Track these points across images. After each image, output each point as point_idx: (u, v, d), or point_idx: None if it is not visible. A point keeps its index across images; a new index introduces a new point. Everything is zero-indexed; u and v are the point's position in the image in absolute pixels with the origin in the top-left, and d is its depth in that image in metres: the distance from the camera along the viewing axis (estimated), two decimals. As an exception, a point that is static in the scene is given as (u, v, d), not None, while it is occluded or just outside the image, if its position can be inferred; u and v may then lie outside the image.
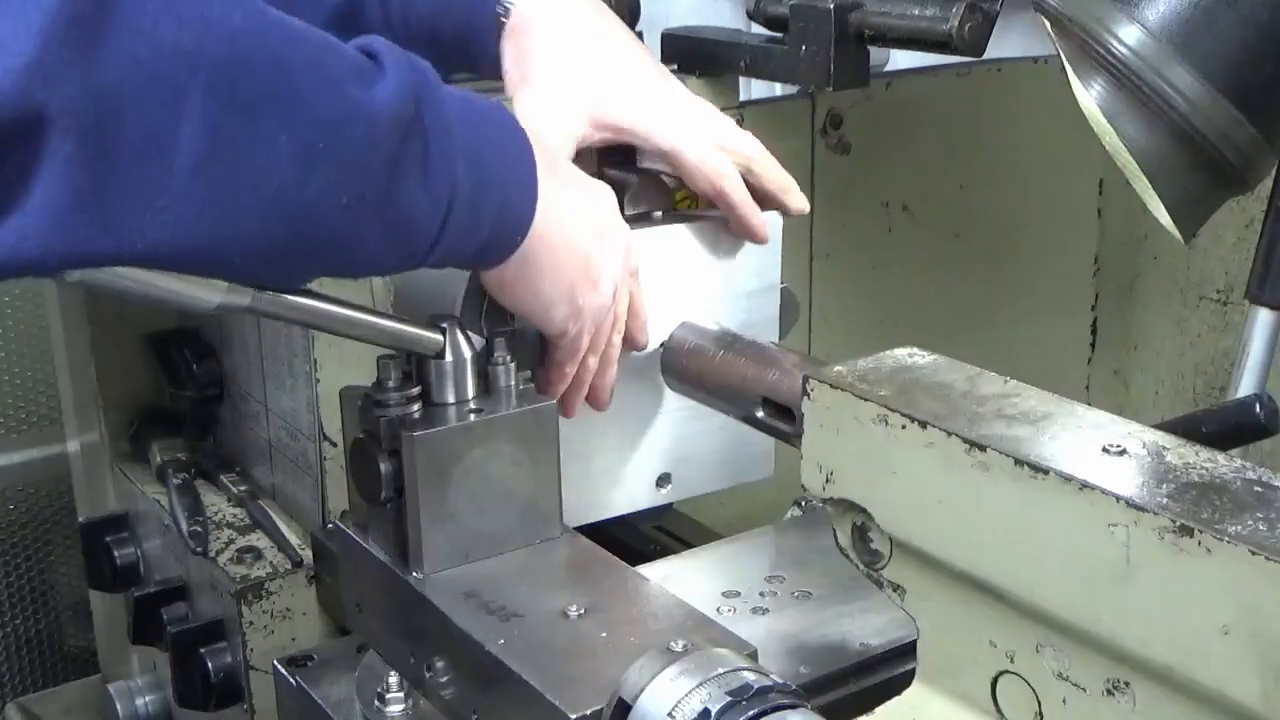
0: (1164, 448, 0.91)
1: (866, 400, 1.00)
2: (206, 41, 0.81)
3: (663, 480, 1.40)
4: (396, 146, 0.93)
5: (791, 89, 1.83)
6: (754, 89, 1.83)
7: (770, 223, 1.39)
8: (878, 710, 1.06)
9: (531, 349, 1.26)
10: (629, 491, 1.38)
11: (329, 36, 0.92)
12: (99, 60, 0.76)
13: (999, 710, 0.99)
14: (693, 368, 1.32)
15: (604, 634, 1.03)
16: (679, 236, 1.34)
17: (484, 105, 1.05)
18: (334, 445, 1.48)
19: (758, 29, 1.70)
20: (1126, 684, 0.88)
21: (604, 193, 1.22)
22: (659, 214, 1.36)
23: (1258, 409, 1.19)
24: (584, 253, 1.15)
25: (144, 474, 1.75)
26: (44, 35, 0.74)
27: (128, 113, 0.78)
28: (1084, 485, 0.86)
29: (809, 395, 1.05)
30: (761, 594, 1.30)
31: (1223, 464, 0.88)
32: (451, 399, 1.12)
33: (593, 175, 1.26)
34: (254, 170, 0.84)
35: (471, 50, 1.31)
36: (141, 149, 0.79)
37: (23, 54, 0.73)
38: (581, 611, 1.06)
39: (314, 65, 0.88)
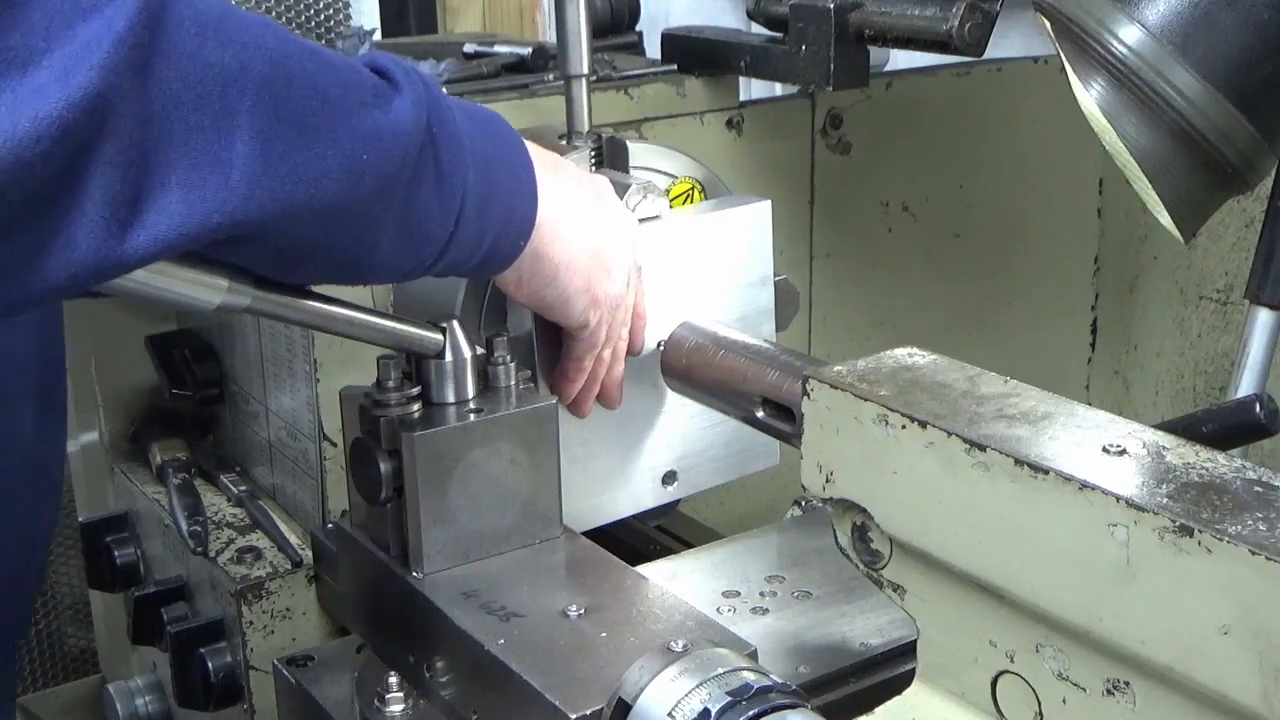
0: (1164, 448, 0.91)
1: (866, 400, 1.00)
2: (248, 62, 0.83)
3: (669, 478, 1.40)
4: (415, 157, 0.95)
5: (791, 89, 1.83)
6: (754, 89, 1.83)
7: (761, 214, 1.39)
8: (878, 710, 1.06)
9: (526, 350, 1.26)
10: (636, 492, 1.38)
11: (346, 58, 0.95)
12: (152, 84, 0.78)
13: (999, 710, 0.99)
14: (693, 368, 1.32)
15: (604, 634, 1.03)
16: (673, 235, 1.34)
17: (486, 116, 1.08)
18: (334, 445, 1.48)
19: (758, 29, 1.71)
20: (1126, 684, 0.88)
21: (605, 186, 1.24)
22: (653, 214, 1.36)
23: (1258, 409, 1.19)
24: (595, 244, 1.17)
25: (144, 474, 1.75)
26: (107, 64, 0.75)
27: (182, 132, 0.80)
28: (1084, 485, 0.86)
29: (809, 395, 1.05)
30: (761, 594, 1.30)
31: (1223, 464, 0.88)
32: (451, 399, 1.13)
33: None
34: (309, 183, 0.87)
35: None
36: (198, 165, 0.81)
37: (86, 83, 0.74)
38: (581, 611, 1.06)
39: (342, 85, 0.91)
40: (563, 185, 1.14)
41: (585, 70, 1.38)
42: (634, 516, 1.42)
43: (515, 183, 1.08)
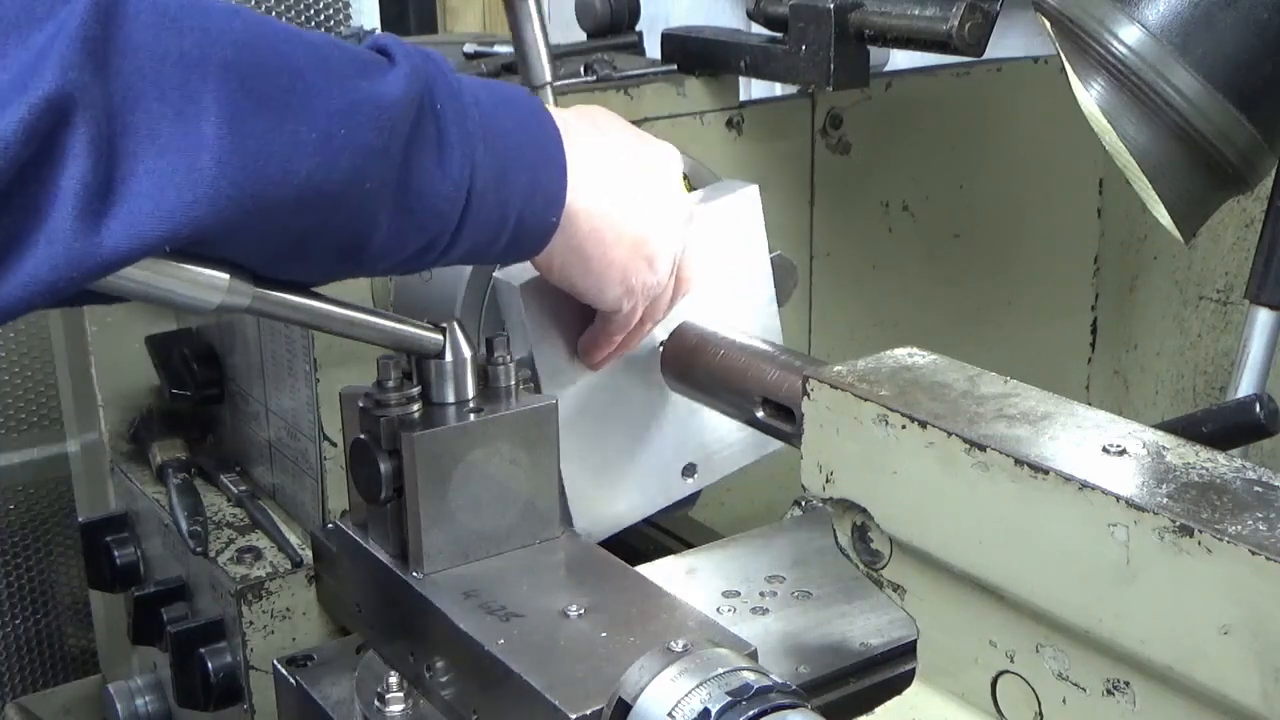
0: (1164, 448, 0.91)
1: (866, 400, 1.00)
2: (210, 48, 0.83)
3: (688, 470, 1.40)
4: (409, 130, 0.94)
5: (791, 89, 1.83)
6: (754, 89, 1.83)
7: (749, 199, 1.39)
8: (878, 710, 1.06)
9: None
10: (658, 489, 1.38)
11: (334, 38, 0.95)
12: (111, 78, 0.78)
13: (999, 710, 0.99)
14: (693, 367, 1.32)
15: (604, 634, 1.03)
16: None
17: (506, 90, 1.06)
18: (334, 445, 1.48)
19: (758, 29, 1.70)
20: (1126, 684, 0.88)
21: (664, 163, 1.19)
22: None
23: (1258, 409, 1.19)
24: (636, 234, 1.14)
25: (144, 474, 1.75)
26: (64, 64, 0.76)
27: (146, 121, 0.80)
28: (1084, 485, 0.86)
29: (809, 395, 1.05)
30: (761, 594, 1.30)
31: (1223, 464, 0.88)
32: (451, 399, 1.12)
33: None
34: (281, 160, 0.86)
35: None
36: (165, 152, 0.81)
37: (45, 84, 0.75)
38: (581, 611, 1.06)
39: (320, 60, 0.90)
40: (605, 169, 1.11)
41: (549, 78, 1.39)
42: (659, 514, 1.42)
43: (539, 157, 1.05)
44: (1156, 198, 1.29)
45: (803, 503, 1.49)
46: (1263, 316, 1.40)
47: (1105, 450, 0.91)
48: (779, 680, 0.93)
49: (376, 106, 0.92)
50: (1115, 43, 1.26)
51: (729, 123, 1.74)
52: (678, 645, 0.96)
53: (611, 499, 1.34)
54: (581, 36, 1.95)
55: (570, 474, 1.27)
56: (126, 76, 0.79)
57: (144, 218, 0.80)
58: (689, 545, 1.52)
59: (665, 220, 1.17)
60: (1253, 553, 0.77)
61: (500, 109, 1.03)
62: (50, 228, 0.77)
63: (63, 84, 0.75)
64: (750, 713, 0.89)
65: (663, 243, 1.17)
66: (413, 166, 0.95)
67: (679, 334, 1.34)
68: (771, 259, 1.42)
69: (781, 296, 1.44)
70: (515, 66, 1.76)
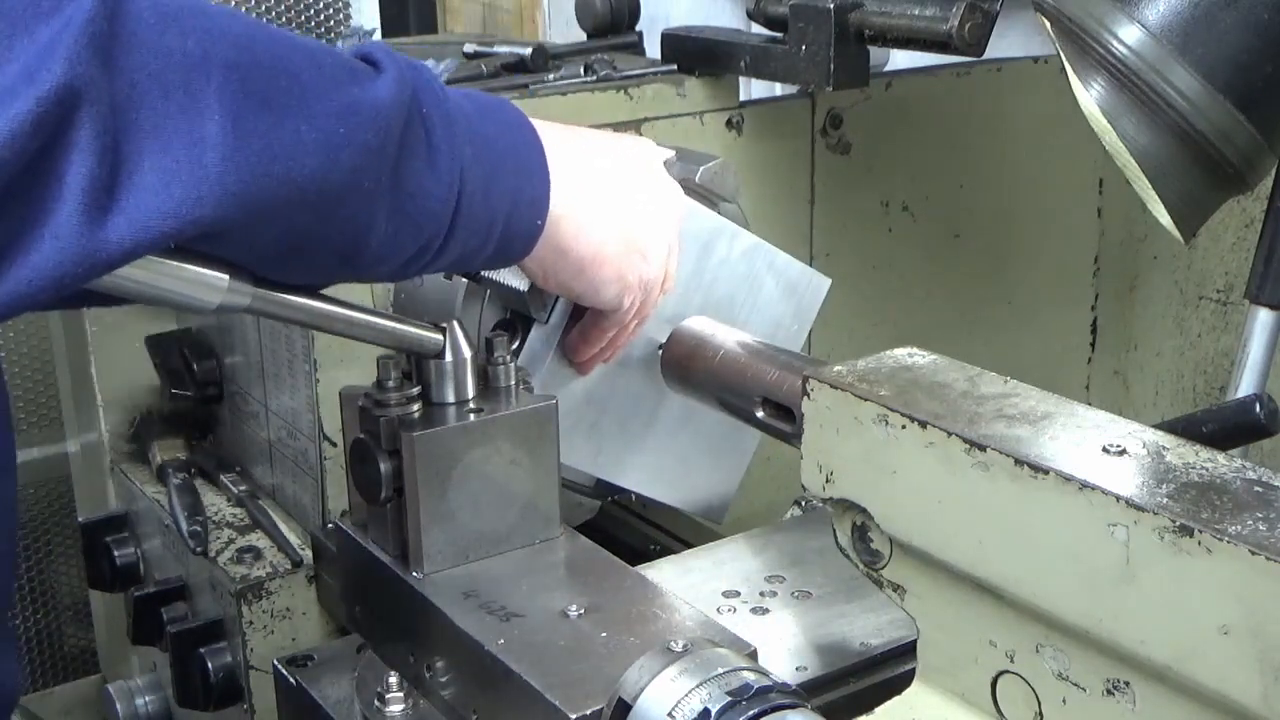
0: (1164, 448, 0.91)
1: (866, 400, 1.00)
2: (212, 48, 0.84)
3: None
4: (401, 133, 0.95)
5: (791, 89, 1.83)
6: (754, 89, 1.83)
7: (722, 169, 1.42)
8: (878, 710, 1.06)
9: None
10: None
11: (324, 44, 0.96)
12: (116, 74, 0.79)
13: (999, 710, 0.99)
14: (693, 368, 1.31)
15: (604, 634, 1.03)
16: None
17: (488, 100, 1.07)
18: (334, 445, 1.48)
19: (758, 29, 1.71)
20: (1126, 684, 0.88)
21: (645, 157, 1.20)
22: None
23: (1258, 409, 1.19)
24: (627, 230, 1.15)
25: (144, 474, 1.75)
26: (71, 57, 0.76)
27: (150, 119, 0.80)
28: (1084, 485, 0.86)
29: (809, 395, 1.05)
30: (761, 594, 1.30)
31: (1223, 464, 0.88)
32: (451, 399, 1.12)
33: None
34: (284, 158, 0.87)
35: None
36: (169, 149, 0.81)
37: (53, 76, 0.75)
38: (581, 611, 1.06)
39: (315, 64, 0.91)
40: (586, 171, 1.12)
41: None
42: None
43: (521, 162, 1.06)
44: (1156, 198, 1.29)
45: (803, 503, 1.49)
46: (1263, 316, 1.40)
47: (1105, 450, 0.91)
48: (779, 680, 0.93)
49: (373, 108, 0.93)
50: (1115, 43, 1.26)
51: (729, 123, 1.74)
52: (678, 645, 0.96)
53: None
54: (581, 36, 1.95)
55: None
56: (131, 73, 0.80)
57: (149, 214, 0.80)
58: (689, 545, 1.52)
59: (653, 212, 1.18)
60: (1253, 553, 0.77)
61: (483, 117, 1.04)
62: (56, 223, 0.77)
63: (70, 77, 0.76)
64: (750, 713, 0.89)
65: (654, 234, 1.18)
66: (405, 168, 0.96)
67: (678, 335, 1.34)
68: (709, 168, 1.41)
69: (728, 194, 1.44)
70: (515, 66, 1.77)
